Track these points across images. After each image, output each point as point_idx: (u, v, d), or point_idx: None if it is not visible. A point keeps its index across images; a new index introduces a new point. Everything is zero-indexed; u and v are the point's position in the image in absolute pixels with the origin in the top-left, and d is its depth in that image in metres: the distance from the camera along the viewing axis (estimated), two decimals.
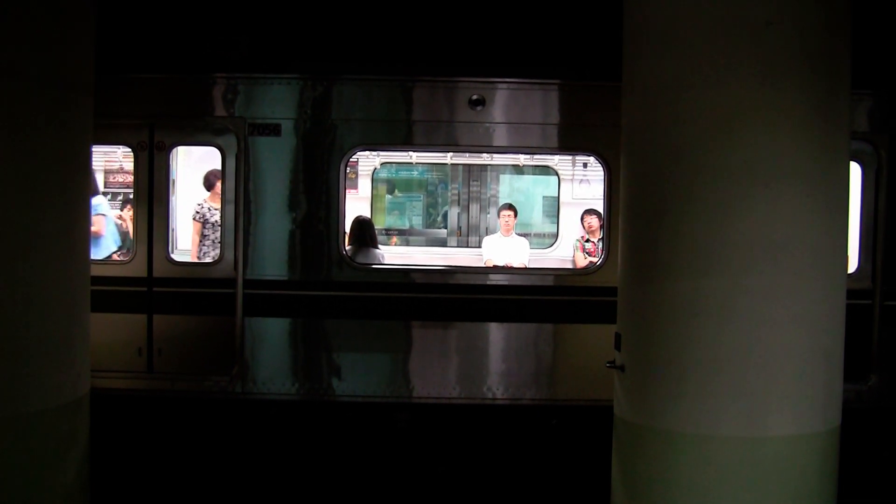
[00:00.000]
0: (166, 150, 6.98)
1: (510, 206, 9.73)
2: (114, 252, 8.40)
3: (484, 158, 10.99)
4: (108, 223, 8.44)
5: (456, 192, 12.29)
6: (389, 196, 13.02)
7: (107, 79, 6.14)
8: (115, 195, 11.56)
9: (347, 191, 7.21)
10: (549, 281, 7.17)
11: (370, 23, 7.34)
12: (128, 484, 6.74)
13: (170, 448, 6.92)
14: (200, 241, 7.94)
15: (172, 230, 7.20)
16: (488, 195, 12.28)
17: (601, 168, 7.02)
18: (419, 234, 12.73)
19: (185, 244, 8.25)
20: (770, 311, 4.35)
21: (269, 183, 6.84)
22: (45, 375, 4.63)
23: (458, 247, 11.97)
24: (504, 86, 6.91)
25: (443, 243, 12.18)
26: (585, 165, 10.58)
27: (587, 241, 9.36)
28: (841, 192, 4.58)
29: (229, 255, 6.88)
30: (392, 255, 9.42)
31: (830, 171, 4.47)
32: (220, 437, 6.93)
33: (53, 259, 4.68)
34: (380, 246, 8.30)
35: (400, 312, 6.88)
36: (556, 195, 10.77)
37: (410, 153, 10.23)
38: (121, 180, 11.52)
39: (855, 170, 6.80)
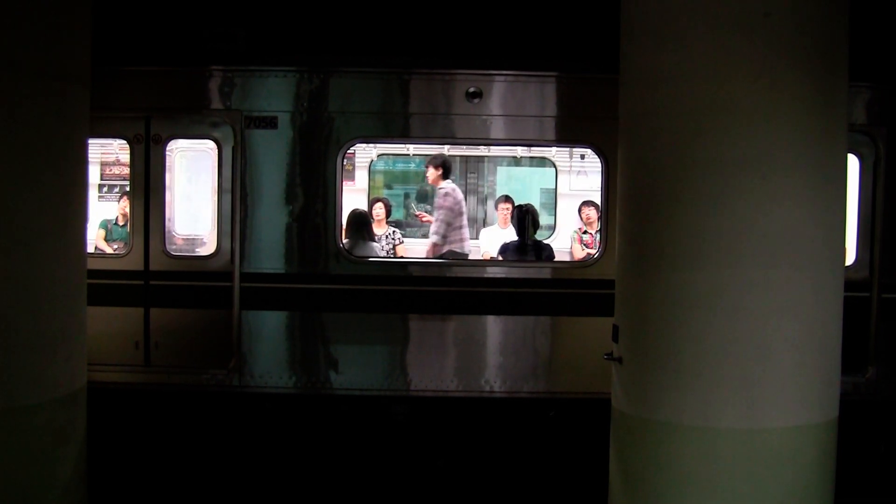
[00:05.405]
0: (162, 143, 6.96)
1: (508, 198, 9.70)
2: None
3: (481, 150, 10.97)
4: None
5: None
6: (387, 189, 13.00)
7: (103, 71, 6.13)
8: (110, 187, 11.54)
9: (344, 182, 7.19)
10: (546, 273, 7.17)
11: (367, 15, 7.31)
12: (125, 478, 6.74)
13: (167, 442, 6.91)
14: None
15: (169, 222, 7.19)
16: (486, 187, 12.26)
17: (598, 160, 7.01)
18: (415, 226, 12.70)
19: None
20: (767, 302, 4.34)
21: (266, 176, 6.81)
22: (42, 369, 4.62)
23: None
24: (501, 78, 6.88)
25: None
26: (583, 157, 10.57)
27: (585, 232, 9.36)
28: (838, 185, 4.57)
29: (226, 248, 6.86)
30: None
31: (828, 163, 4.47)
32: (217, 430, 6.92)
33: (50, 252, 4.66)
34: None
35: (397, 305, 6.87)
36: (554, 187, 10.75)
37: (408, 145, 10.20)
38: (117, 172, 11.50)
39: (853, 162, 6.80)
